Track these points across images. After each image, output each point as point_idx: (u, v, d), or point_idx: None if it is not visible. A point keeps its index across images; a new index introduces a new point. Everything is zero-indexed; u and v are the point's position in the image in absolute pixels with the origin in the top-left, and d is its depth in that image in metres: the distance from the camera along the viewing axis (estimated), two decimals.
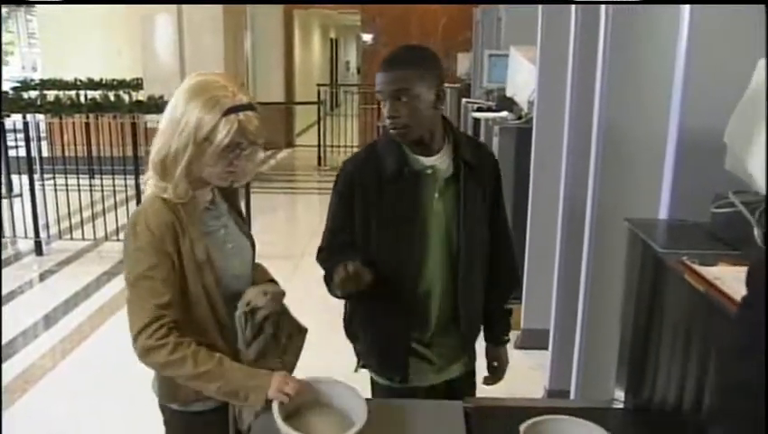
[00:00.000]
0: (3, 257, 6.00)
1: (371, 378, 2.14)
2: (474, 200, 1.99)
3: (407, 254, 1.95)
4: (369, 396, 2.01)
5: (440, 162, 1.95)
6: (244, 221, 1.91)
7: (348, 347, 2.18)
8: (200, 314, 1.71)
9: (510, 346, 4.18)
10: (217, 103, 1.61)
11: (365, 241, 1.97)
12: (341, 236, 2.01)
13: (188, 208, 1.70)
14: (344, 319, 2.16)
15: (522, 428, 1.49)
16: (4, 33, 12.12)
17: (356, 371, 2.14)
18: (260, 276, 1.91)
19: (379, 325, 2.04)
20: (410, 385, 2.04)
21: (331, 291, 1.97)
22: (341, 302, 2.13)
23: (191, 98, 1.63)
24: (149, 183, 1.71)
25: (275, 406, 1.57)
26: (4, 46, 11.69)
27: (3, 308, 4.55)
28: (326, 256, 2.03)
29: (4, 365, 3.97)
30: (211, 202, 1.80)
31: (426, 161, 1.94)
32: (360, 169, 1.98)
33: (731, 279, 1.35)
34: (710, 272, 1.39)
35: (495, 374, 2.31)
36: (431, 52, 1.96)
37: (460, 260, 1.99)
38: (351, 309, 2.12)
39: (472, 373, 2.23)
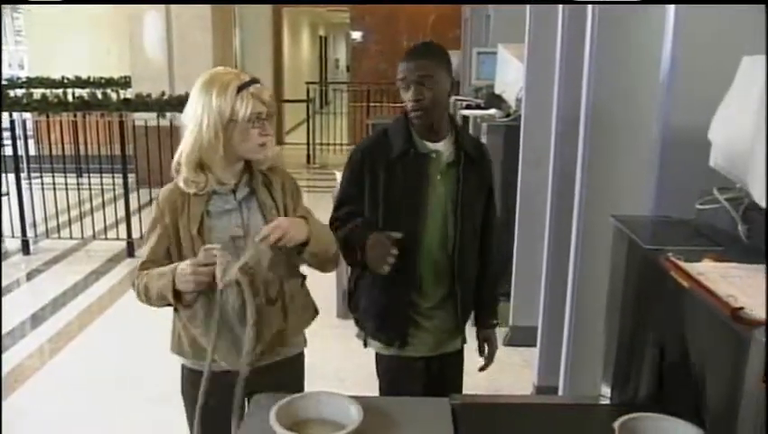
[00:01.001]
0: None
1: (375, 353, 2.29)
2: (471, 188, 2.22)
3: (409, 226, 2.14)
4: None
5: (444, 148, 2.18)
6: (276, 210, 1.94)
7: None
8: None
9: (498, 343, 4.22)
10: (228, 86, 1.80)
11: (371, 214, 2.17)
12: (350, 206, 2.21)
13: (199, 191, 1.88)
14: (348, 290, 2.32)
15: (616, 425, 1.47)
16: (4, 33, 12.03)
17: (366, 347, 2.30)
18: None
19: (381, 291, 2.20)
20: (408, 354, 2.22)
21: (348, 257, 2.17)
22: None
23: (203, 93, 1.82)
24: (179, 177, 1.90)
25: (272, 416, 1.58)
26: (3, 46, 11.59)
27: None
28: (340, 224, 2.20)
29: None
30: (227, 187, 1.90)
31: (432, 146, 2.17)
32: (372, 148, 2.22)
33: (715, 275, 1.37)
34: (695, 268, 1.40)
35: (488, 358, 2.48)
36: (445, 49, 2.21)
37: (456, 240, 2.20)
38: (355, 277, 2.28)
39: (462, 353, 2.41)
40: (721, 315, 1.22)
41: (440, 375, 2.31)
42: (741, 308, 1.18)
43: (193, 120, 1.83)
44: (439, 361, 2.29)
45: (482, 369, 2.45)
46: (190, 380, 2.00)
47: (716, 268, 1.41)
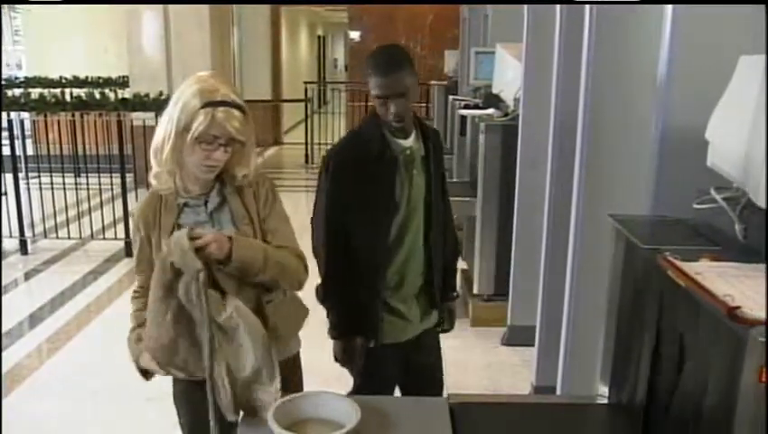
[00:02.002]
0: None
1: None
2: (437, 175, 2.39)
3: (395, 226, 2.27)
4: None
5: (413, 143, 2.30)
6: (249, 220, 1.89)
7: None
8: None
9: (496, 343, 4.25)
10: (198, 96, 1.75)
11: (356, 218, 2.26)
12: (336, 224, 2.27)
13: (169, 200, 1.86)
14: (319, 292, 2.37)
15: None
16: (4, 33, 12.00)
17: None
18: None
19: (356, 292, 2.30)
20: (386, 343, 2.35)
21: (332, 330, 2.34)
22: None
23: (181, 92, 1.79)
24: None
25: (270, 416, 1.58)
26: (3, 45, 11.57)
27: None
28: (333, 278, 2.30)
29: None
30: (197, 197, 1.86)
31: (404, 143, 2.28)
32: (349, 153, 2.31)
33: (712, 274, 1.37)
34: (692, 267, 1.40)
35: (449, 322, 2.63)
36: (407, 50, 2.34)
37: (431, 226, 2.34)
38: (330, 281, 2.34)
39: (436, 327, 2.55)
40: (718, 314, 1.22)
41: (418, 348, 2.45)
42: (738, 308, 1.18)
43: (167, 112, 1.81)
44: (415, 339, 2.43)
45: (444, 330, 2.61)
46: (180, 388, 2.07)
47: (714, 268, 1.41)
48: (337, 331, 2.34)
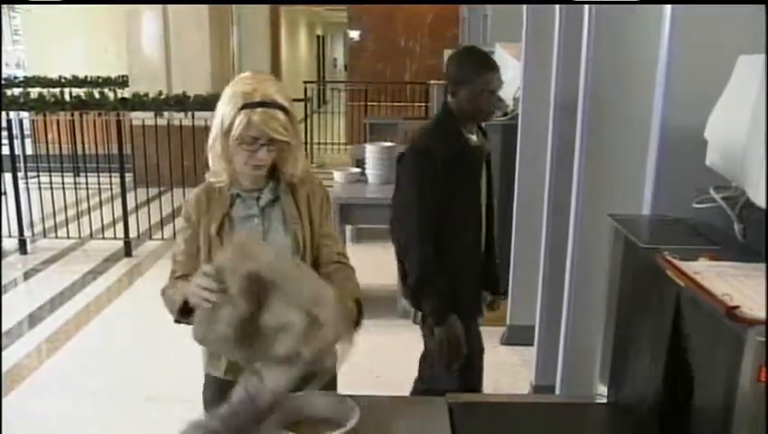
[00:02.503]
0: None
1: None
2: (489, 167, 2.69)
3: (475, 216, 2.60)
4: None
5: (476, 136, 2.57)
6: (300, 220, 1.90)
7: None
8: None
9: (496, 342, 4.25)
10: (235, 99, 1.76)
11: (443, 213, 2.47)
12: (432, 220, 2.45)
13: (222, 190, 1.88)
14: (410, 288, 2.56)
15: None
16: (4, 33, 12.00)
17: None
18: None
19: (452, 279, 2.49)
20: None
21: (436, 317, 2.52)
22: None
23: (224, 93, 1.82)
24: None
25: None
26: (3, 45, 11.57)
27: None
28: (430, 269, 2.46)
29: None
30: (251, 192, 1.89)
31: (473, 138, 2.56)
32: (435, 148, 2.47)
33: (711, 274, 1.37)
34: (691, 267, 1.40)
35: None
36: None
37: (493, 221, 2.73)
38: (428, 273, 2.47)
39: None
40: (717, 313, 1.22)
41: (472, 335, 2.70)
42: (737, 307, 1.18)
43: (215, 112, 1.84)
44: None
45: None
46: (211, 389, 1.96)
47: (713, 267, 1.41)
48: (441, 315, 2.48)
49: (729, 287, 1.28)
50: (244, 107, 1.74)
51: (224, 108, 1.78)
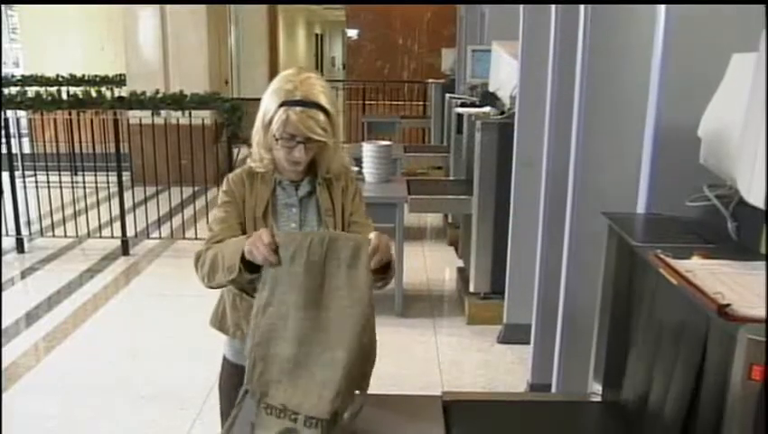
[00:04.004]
0: None
1: None
2: None
3: None
4: None
5: None
6: (332, 214, 1.94)
7: None
8: None
9: (492, 341, 4.25)
10: (277, 94, 1.80)
11: None
12: None
13: (265, 177, 1.91)
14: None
15: None
16: (4, 33, 11.99)
17: None
18: None
19: None
20: None
21: None
22: None
23: (270, 86, 1.85)
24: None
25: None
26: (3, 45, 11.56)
27: None
28: None
29: None
30: (291, 182, 1.93)
31: None
32: None
33: (704, 272, 1.37)
34: (683, 265, 1.40)
35: None
36: None
37: None
38: None
39: None
40: (709, 311, 1.22)
41: None
42: (728, 305, 1.19)
43: (261, 103, 1.87)
44: None
45: None
46: (229, 372, 2.00)
47: (705, 266, 1.41)
48: None
49: (721, 286, 1.29)
50: (283, 104, 1.78)
51: (267, 102, 1.83)
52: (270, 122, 1.81)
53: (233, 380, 1.86)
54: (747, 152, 1.47)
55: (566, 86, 3.00)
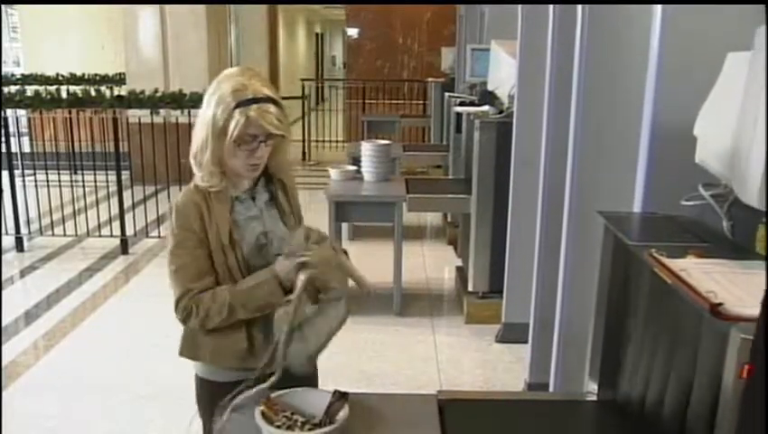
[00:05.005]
0: None
1: None
2: None
3: None
4: None
5: None
6: (292, 215, 1.93)
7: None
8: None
9: (491, 340, 4.26)
10: (228, 98, 1.72)
11: None
12: None
13: (219, 195, 1.81)
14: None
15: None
16: (4, 33, 11.99)
17: None
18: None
19: None
20: None
21: None
22: None
23: (212, 94, 1.76)
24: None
25: (258, 415, 1.58)
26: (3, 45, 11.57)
27: None
28: None
29: None
30: (246, 192, 1.88)
31: None
32: None
33: (698, 271, 1.37)
34: (677, 264, 1.40)
35: None
36: None
37: None
38: None
39: None
40: (702, 310, 1.22)
41: None
42: (721, 304, 1.19)
43: (201, 116, 1.78)
44: None
45: None
46: (207, 389, 1.93)
47: (699, 265, 1.41)
48: None
49: (715, 285, 1.29)
50: (238, 105, 1.70)
51: (214, 111, 1.73)
52: (224, 129, 1.71)
53: (214, 397, 1.77)
54: (742, 151, 1.47)
55: (563, 85, 3.00)
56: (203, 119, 1.76)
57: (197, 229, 1.79)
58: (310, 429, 1.57)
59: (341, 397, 1.63)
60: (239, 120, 1.69)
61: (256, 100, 1.71)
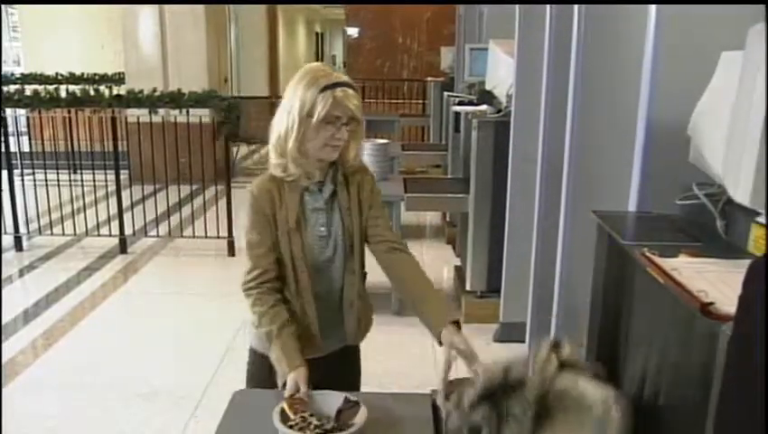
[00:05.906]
0: None
1: None
2: None
3: None
4: None
5: None
6: (349, 214, 1.99)
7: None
8: (285, 275, 1.96)
9: (489, 340, 4.25)
10: (315, 82, 1.86)
11: None
12: None
13: (292, 185, 1.95)
14: None
15: None
16: (3, 33, 12.01)
17: None
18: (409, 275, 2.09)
19: None
20: None
21: None
22: None
23: (296, 84, 1.90)
24: (270, 162, 1.97)
25: (275, 415, 1.60)
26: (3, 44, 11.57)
27: None
28: None
29: None
30: (316, 184, 1.97)
31: None
32: None
33: (689, 271, 1.37)
34: (669, 264, 1.40)
35: None
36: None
37: None
38: None
39: None
40: (693, 310, 1.22)
41: None
42: (711, 303, 1.19)
43: (284, 107, 1.91)
44: None
45: None
46: (264, 365, 1.99)
47: (692, 264, 1.41)
48: None
49: (707, 284, 1.29)
50: (324, 88, 1.84)
51: (304, 93, 1.85)
52: (311, 110, 1.84)
53: (263, 372, 1.94)
54: (735, 150, 1.48)
55: (560, 84, 3.00)
56: (287, 108, 1.89)
57: (268, 213, 1.93)
58: None
59: (353, 404, 1.65)
60: (328, 100, 1.83)
61: (340, 84, 1.86)
